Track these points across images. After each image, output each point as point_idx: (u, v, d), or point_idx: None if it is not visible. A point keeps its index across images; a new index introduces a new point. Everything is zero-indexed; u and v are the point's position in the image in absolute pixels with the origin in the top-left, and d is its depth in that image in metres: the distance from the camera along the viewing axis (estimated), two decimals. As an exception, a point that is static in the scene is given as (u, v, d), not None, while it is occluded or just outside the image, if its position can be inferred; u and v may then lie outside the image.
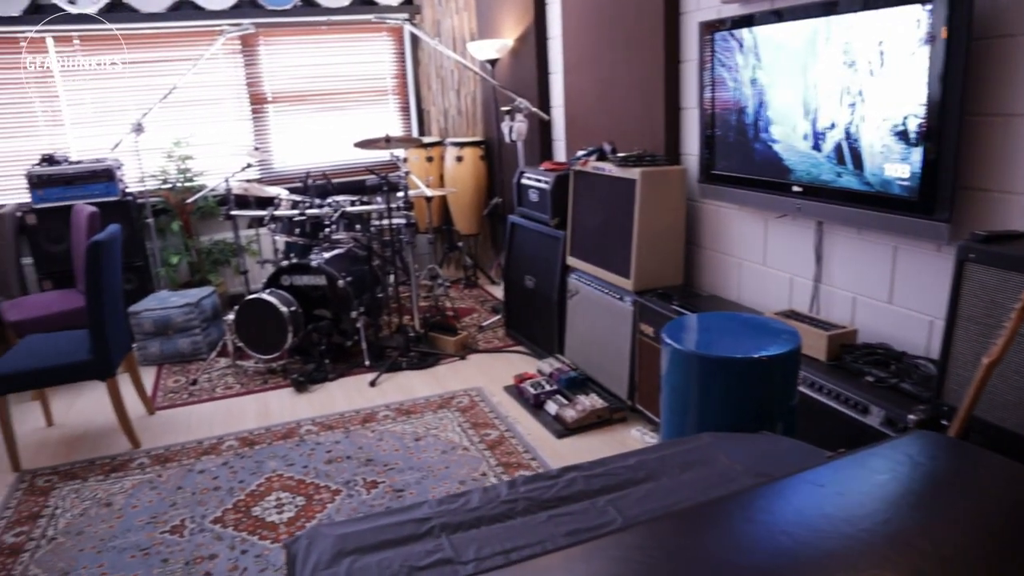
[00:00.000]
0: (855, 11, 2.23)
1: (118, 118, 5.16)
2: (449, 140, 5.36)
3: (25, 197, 4.81)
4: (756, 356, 1.94)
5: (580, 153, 3.53)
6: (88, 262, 3.12)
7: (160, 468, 3.13)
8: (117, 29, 5.05)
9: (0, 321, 4.11)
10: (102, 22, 4.96)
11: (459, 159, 5.23)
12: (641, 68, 3.42)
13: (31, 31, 4.91)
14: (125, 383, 3.54)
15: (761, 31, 2.61)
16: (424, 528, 1.21)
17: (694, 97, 3.19)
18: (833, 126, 2.38)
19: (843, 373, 2.26)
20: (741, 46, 2.72)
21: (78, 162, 4.79)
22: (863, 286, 2.52)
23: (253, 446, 3.25)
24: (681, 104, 3.29)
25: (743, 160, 2.78)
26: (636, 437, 3.11)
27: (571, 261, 3.65)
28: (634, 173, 3.09)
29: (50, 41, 4.99)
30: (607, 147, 3.39)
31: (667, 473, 1.41)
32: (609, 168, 3.27)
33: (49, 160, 4.73)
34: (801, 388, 2.26)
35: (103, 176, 4.71)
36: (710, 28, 2.86)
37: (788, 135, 2.56)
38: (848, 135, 2.32)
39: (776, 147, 2.62)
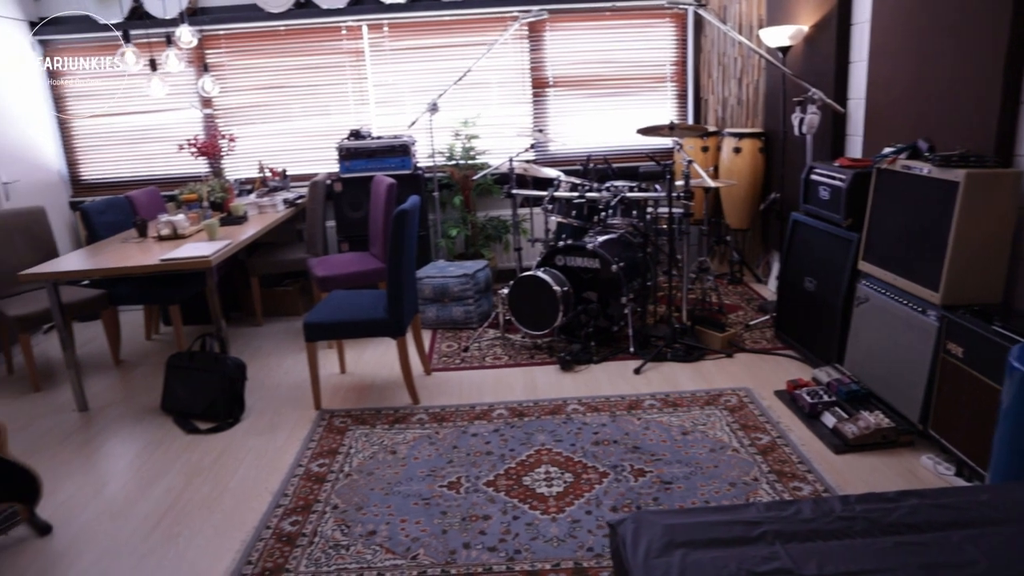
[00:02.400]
0: None
1: (415, 98, 5.60)
2: (727, 130, 5.18)
3: (334, 167, 5.38)
4: None
5: (887, 150, 3.24)
6: (394, 228, 3.41)
7: (437, 426, 3.36)
8: (421, 16, 5.46)
9: (308, 275, 4.65)
10: (410, 10, 5.38)
11: (737, 150, 5.04)
12: (972, 56, 3.05)
13: (350, 20, 5.46)
14: (408, 343, 3.85)
15: None
16: (755, 532, 1.16)
17: (1040, 91, 2.78)
18: None
19: None
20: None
21: (379, 137, 5.27)
22: None
23: (522, 417, 3.39)
24: (1023, 99, 2.89)
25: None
26: (928, 466, 2.81)
27: (863, 266, 3.37)
28: (957, 175, 2.77)
29: (364, 28, 5.52)
30: (922, 145, 3.08)
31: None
32: (924, 168, 2.96)
33: (356, 135, 5.25)
34: None
35: (400, 151, 5.14)
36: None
37: None
38: None
39: None
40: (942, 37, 3.26)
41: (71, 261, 3.80)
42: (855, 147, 4.14)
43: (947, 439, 2.81)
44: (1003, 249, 2.86)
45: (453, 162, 5.50)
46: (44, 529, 2.72)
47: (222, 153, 5.44)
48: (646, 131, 4.08)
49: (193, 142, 5.23)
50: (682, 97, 5.73)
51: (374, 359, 4.29)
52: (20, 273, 3.62)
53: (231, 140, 5.40)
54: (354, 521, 2.64)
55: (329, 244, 5.55)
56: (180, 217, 4.22)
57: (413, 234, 3.62)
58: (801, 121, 4.07)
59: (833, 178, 3.62)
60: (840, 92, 4.20)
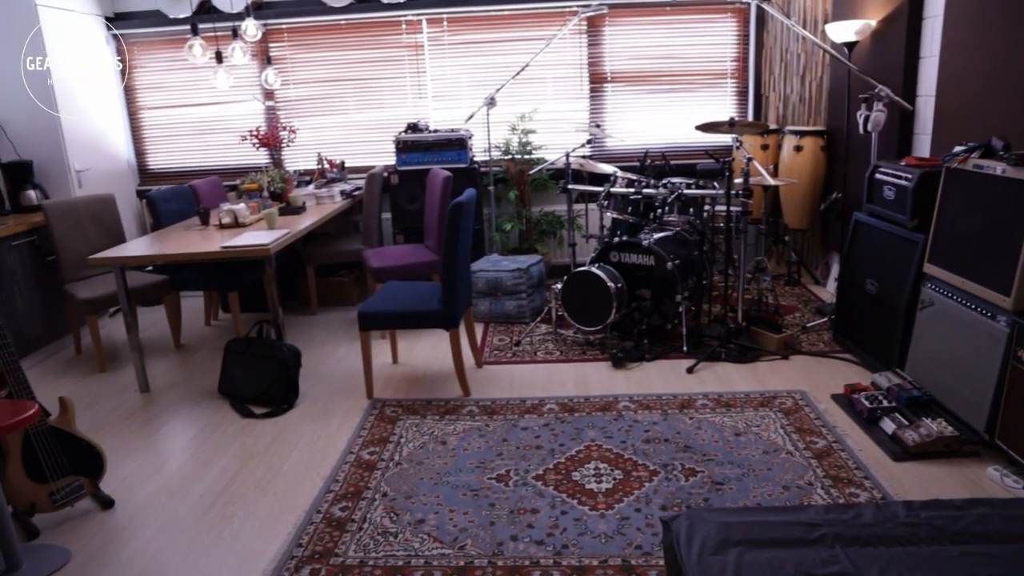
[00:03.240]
0: None
1: (472, 92, 5.61)
2: (788, 128, 5.07)
3: (391, 160, 5.44)
4: None
5: (958, 149, 3.12)
6: (449, 221, 3.42)
7: (487, 418, 3.37)
8: (480, 11, 5.47)
9: (363, 266, 4.71)
10: (469, 4, 5.40)
11: (798, 148, 4.93)
12: (1052, 53, 2.93)
13: (410, 14, 5.50)
14: (460, 335, 3.86)
15: None
16: (815, 535, 1.13)
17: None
18: None
19: None
20: None
21: (436, 131, 5.30)
22: None
23: (573, 412, 3.37)
24: (1104, 97, 2.76)
25: None
26: (994, 478, 2.71)
27: (929, 269, 3.26)
28: (1033, 175, 2.66)
29: (424, 22, 5.56)
30: (997, 143, 2.96)
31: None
32: (998, 167, 2.85)
33: (413, 128, 5.29)
34: None
35: (456, 144, 5.16)
36: None
37: None
38: None
39: None
40: (1019, 31, 3.14)
41: (137, 247, 3.92)
42: (923, 146, 4.01)
43: (1016, 450, 2.71)
44: (1081, 254, 2.73)
45: (509, 156, 5.50)
46: (107, 503, 2.82)
47: (283, 144, 5.55)
48: (705, 127, 4.02)
49: (255, 133, 5.34)
50: (743, 94, 5.62)
51: (426, 351, 4.32)
52: (90, 257, 3.74)
53: (292, 132, 5.50)
54: (403, 509, 2.67)
55: (384, 236, 5.61)
56: (241, 206, 4.32)
57: (468, 227, 3.63)
58: (867, 119, 3.96)
59: (899, 177, 3.52)
60: (909, 89, 4.08)
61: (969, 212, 3.04)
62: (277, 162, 5.76)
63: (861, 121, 4.00)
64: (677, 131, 5.63)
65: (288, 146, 5.64)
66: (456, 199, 3.43)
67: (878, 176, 3.71)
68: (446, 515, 2.61)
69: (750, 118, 5.59)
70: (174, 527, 2.65)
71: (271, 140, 5.38)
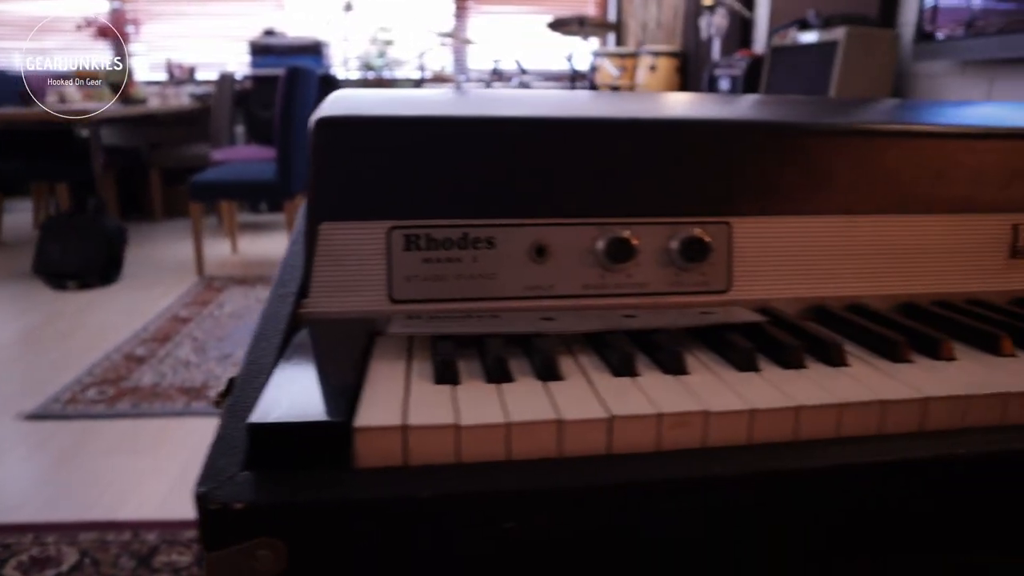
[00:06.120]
0: None
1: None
2: (644, 48, 5.19)
3: (246, 70, 5.23)
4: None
5: (778, 27, 3.28)
6: (286, 86, 3.31)
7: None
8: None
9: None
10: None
11: (652, 68, 5.05)
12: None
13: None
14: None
15: None
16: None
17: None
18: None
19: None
20: None
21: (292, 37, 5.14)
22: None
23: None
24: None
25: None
26: None
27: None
28: (837, 34, 2.81)
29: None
30: (812, 16, 3.11)
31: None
32: (812, 35, 3.00)
33: (269, 33, 5.11)
34: None
35: (312, 50, 5.02)
36: None
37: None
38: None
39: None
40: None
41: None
42: (761, 45, 4.18)
43: None
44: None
45: (370, 70, 5.40)
46: None
47: (128, 39, 5.22)
48: (555, 25, 4.06)
49: (92, 21, 5.00)
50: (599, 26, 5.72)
51: (270, 244, 4.18)
52: None
53: (137, 24, 5.19)
54: (212, 348, 2.55)
55: (238, 140, 5.38)
56: (71, 87, 4.03)
57: (308, 99, 3.52)
58: (709, 24, 4.10)
59: (731, 68, 3.65)
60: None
61: (791, 83, 3.18)
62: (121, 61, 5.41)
63: (704, 27, 4.14)
64: (542, 58, 5.65)
65: (134, 43, 5.31)
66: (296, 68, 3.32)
67: (715, 73, 3.84)
68: (256, 348, 2.51)
69: (612, 46, 5.69)
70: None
71: (112, 32, 5.06)
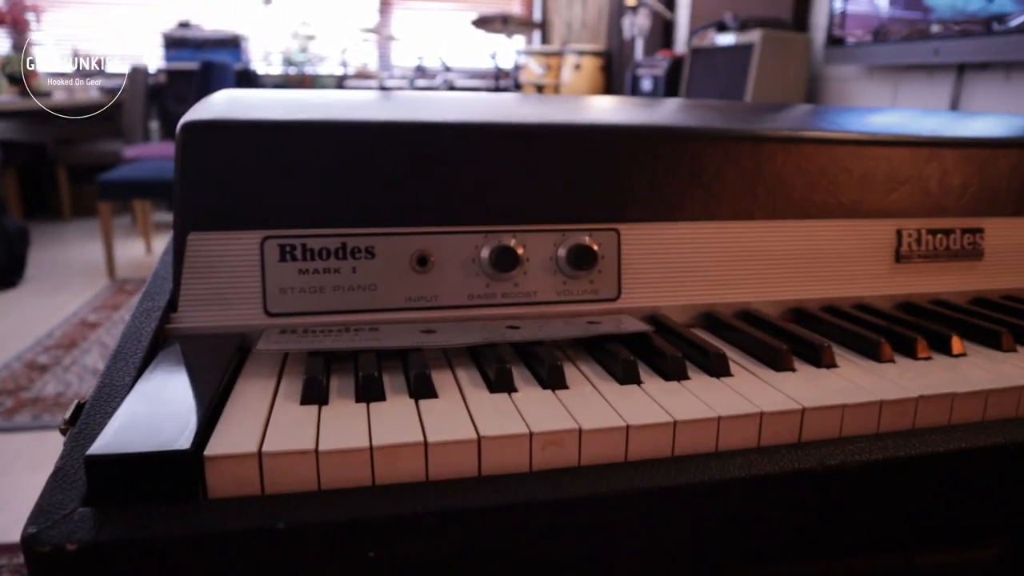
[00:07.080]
0: None
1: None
2: (569, 47, 5.22)
3: (160, 63, 5.04)
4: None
5: (697, 29, 3.33)
6: (200, 81, 3.20)
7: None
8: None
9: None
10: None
11: (577, 67, 5.08)
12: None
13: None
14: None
15: None
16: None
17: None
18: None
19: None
20: None
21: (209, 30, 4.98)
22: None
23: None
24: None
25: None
26: None
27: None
28: (753, 36, 2.87)
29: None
30: (728, 18, 3.17)
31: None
32: (729, 38, 3.05)
33: (184, 25, 4.93)
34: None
35: (230, 43, 4.86)
36: None
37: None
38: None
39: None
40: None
41: None
42: (682, 46, 4.25)
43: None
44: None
45: (291, 65, 5.27)
46: None
47: (28, 28, 4.96)
48: (479, 23, 4.04)
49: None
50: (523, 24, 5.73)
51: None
52: None
53: (37, 11, 4.93)
54: (120, 353, 2.44)
55: (153, 137, 5.18)
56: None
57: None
58: (631, 24, 4.14)
59: (653, 68, 3.70)
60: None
61: (710, 84, 3.23)
62: (22, 50, 5.15)
63: (627, 27, 4.18)
64: (468, 58, 5.62)
65: (36, 32, 5.05)
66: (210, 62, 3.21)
67: (638, 73, 3.88)
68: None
69: (538, 44, 5.70)
70: None
71: (10, 18, 4.80)
